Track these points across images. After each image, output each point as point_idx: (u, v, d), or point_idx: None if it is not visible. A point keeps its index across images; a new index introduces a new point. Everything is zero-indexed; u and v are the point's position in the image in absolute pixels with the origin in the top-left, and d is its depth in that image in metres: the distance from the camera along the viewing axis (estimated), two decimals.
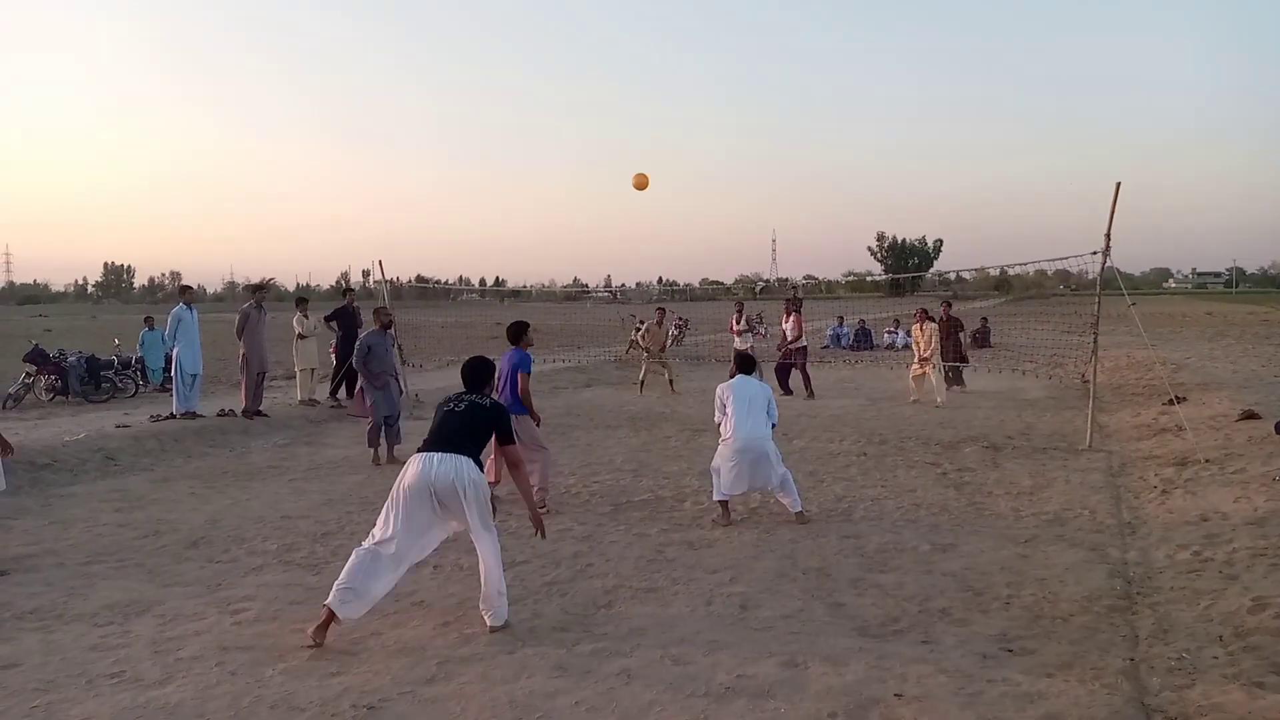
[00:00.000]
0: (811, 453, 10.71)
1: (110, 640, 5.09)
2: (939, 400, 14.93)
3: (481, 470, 5.28)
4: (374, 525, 5.20)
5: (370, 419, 10.59)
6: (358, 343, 10.91)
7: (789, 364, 16.46)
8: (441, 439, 5.25)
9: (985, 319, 28.98)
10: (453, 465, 5.09)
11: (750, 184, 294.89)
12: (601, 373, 20.65)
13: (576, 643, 4.99)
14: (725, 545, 6.90)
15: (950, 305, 17.27)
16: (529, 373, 8.12)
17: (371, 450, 10.51)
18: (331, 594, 4.96)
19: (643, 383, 17.13)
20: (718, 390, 7.72)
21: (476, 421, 5.35)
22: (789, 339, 16.36)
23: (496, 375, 6.49)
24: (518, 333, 8.20)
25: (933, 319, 15.73)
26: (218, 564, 6.58)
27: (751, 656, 4.74)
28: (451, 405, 5.43)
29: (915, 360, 15.64)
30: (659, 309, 17.79)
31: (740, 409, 7.44)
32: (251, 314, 13.29)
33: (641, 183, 13.52)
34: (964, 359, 16.70)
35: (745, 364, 7.85)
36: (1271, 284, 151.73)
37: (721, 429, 7.57)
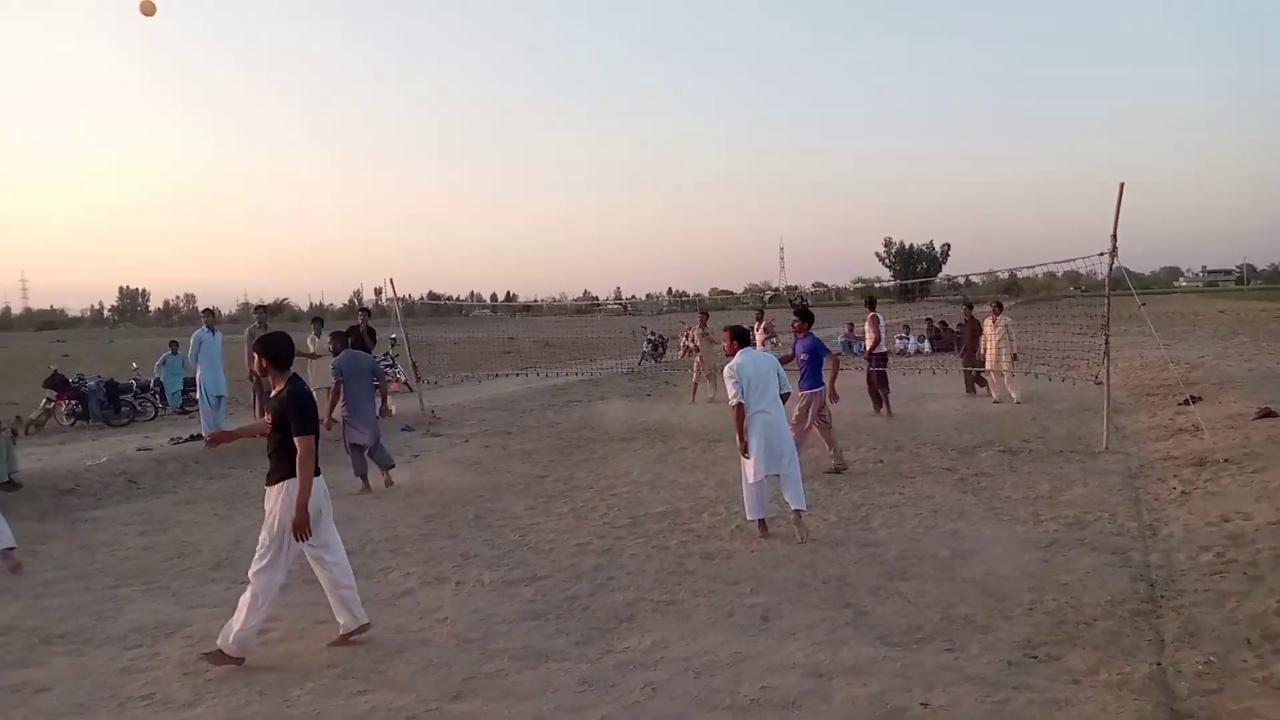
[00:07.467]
0: (828, 461, 10.69)
1: (140, 663, 5.16)
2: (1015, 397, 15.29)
3: None
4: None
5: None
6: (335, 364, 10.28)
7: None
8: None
9: None
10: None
11: (757, 193, 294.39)
12: (615, 385, 20.67)
13: (600, 657, 5.01)
14: (745, 556, 6.91)
15: (971, 308, 17.74)
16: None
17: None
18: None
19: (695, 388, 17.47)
20: (725, 370, 7.55)
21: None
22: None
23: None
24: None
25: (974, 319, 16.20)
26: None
27: (775, 668, 4.76)
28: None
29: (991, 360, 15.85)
30: (701, 313, 18.33)
31: (754, 383, 7.33)
32: (258, 334, 13.45)
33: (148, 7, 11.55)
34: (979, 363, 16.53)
35: (741, 335, 7.70)
36: None
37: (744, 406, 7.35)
